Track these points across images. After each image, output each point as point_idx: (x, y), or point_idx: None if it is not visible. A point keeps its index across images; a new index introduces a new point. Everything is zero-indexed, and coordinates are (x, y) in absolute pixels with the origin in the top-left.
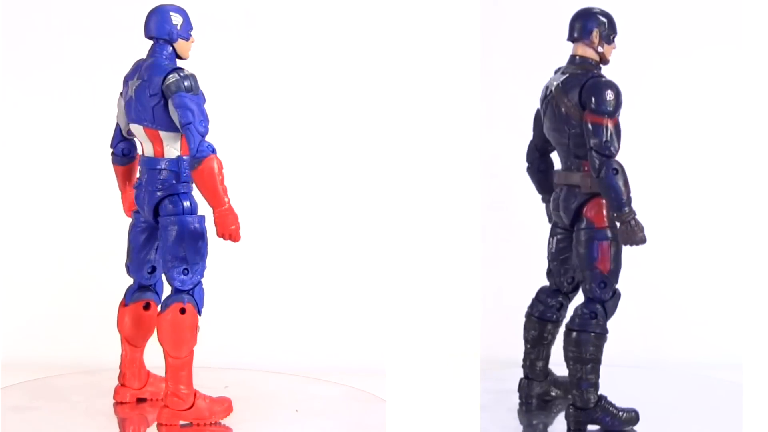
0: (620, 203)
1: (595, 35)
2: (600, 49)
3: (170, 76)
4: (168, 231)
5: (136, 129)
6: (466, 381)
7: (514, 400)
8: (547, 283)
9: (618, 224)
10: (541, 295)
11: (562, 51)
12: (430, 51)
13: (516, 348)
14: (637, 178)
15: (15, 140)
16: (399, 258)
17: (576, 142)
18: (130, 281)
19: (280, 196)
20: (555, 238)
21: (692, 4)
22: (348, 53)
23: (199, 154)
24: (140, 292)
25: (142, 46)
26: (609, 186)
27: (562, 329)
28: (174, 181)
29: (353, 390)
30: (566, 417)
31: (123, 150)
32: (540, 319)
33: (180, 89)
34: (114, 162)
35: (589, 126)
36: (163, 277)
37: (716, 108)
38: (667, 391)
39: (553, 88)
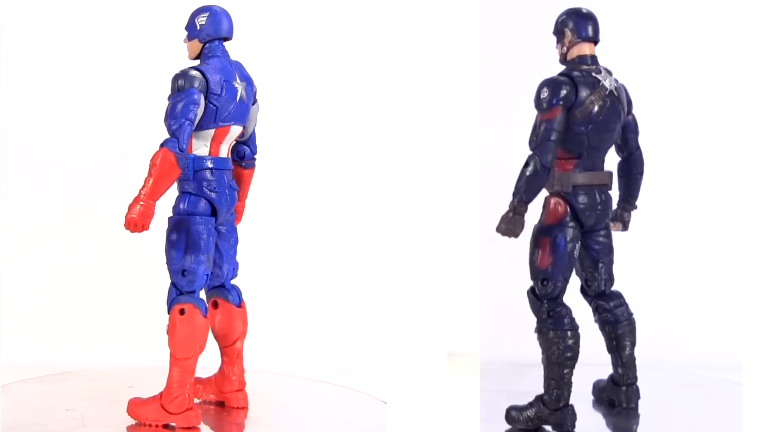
0: None
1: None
2: None
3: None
4: (234, 227)
5: (235, 130)
6: (466, 381)
7: (514, 400)
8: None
9: (627, 215)
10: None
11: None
12: (430, 51)
13: (516, 348)
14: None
15: (15, 142)
16: (398, 258)
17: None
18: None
19: (278, 197)
20: (576, 244)
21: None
22: (347, 54)
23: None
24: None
25: (143, 48)
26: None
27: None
28: None
29: (353, 391)
30: (630, 395)
31: None
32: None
33: None
34: (182, 165)
35: (635, 125)
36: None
37: (715, 109)
38: (667, 391)
39: (612, 89)
